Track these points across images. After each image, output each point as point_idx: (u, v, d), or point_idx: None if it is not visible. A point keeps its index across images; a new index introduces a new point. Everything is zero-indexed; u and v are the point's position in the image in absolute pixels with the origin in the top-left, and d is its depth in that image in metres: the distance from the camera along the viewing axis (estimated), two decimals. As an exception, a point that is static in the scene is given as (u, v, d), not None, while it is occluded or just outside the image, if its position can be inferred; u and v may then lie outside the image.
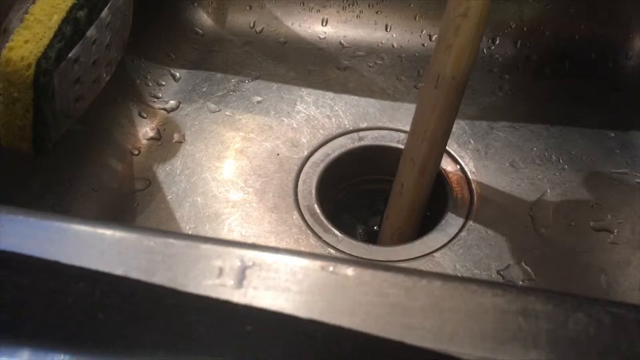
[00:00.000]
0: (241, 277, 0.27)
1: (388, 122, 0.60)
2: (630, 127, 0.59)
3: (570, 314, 0.26)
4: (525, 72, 0.64)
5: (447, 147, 0.57)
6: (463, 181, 0.55)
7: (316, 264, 0.28)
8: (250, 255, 0.28)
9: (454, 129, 0.58)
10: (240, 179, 0.57)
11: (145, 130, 0.60)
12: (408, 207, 0.52)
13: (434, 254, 0.51)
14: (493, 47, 0.65)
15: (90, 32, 0.45)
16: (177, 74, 0.65)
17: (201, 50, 0.67)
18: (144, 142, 0.60)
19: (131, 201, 0.55)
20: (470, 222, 0.53)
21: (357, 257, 0.51)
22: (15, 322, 0.28)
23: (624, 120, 0.59)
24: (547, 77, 0.63)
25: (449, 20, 0.45)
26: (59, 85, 0.44)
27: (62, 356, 0.27)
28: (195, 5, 0.69)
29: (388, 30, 0.67)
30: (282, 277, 0.27)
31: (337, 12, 0.68)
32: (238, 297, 0.26)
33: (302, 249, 0.52)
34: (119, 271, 0.27)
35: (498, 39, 0.65)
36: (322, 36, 0.68)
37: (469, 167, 0.56)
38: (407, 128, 0.52)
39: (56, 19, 0.42)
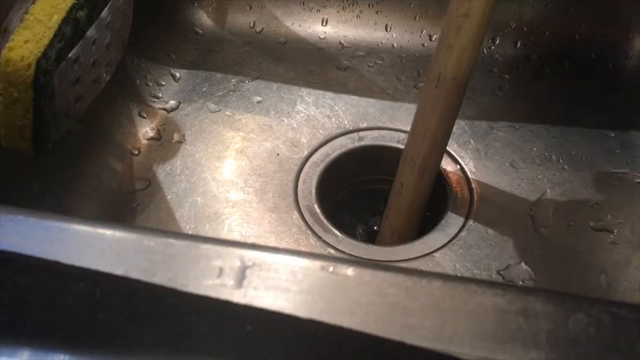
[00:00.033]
0: (241, 277, 0.27)
1: (388, 122, 0.60)
2: (630, 127, 0.59)
3: (570, 314, 0.26)
4: (525, 72, 0.64)
5: (447, 147, 0.57)
6: (463, 181, 0.55)
7: (316, 264, 0.28)
8: (250, 255, 0.28)
9: (454, 129, 0.58)
10: (240, 179, 0.57)
11: (145, 130, 0.60)
12: (408, 207, 0.52)
13: (434, 254, 0.51)
14: (493, 47, 0.65)
15: (90, 32, 0.45)
16: (177, 74, 0.65)
17: (201, 50, 0.67)
18: (144, 142, 0.60)
19: (131, 201, 0.55)
20: (470, 222, 0.53)
21: (357, 257, 0.51)
22: (15, 322, 0.28)
23: (624, 120, 0.59)
24: (547, 77, 0.63)
25: (450, 20, 0.45)
26: (59, 85, 0.44)
27: (62, 356, 0.27)
28: (195, 5, 0.69)
29: (388, 30, 0.67)
30: (282, 277, 0.27)
31: (337, 12, 0.68)
32: (238, 297, 0.26)
33: (302, 249, 0.52)
34: (119, 271, 0.27)
35: (498, 39, 0.65)
36: (322, 36, 0.68)
37: (469, 167, 0.56)
38: (407, 128, 0.52)
39: (56, 19, 0.42)
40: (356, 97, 0.62)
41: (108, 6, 0.47)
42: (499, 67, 0.64)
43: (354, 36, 0.67)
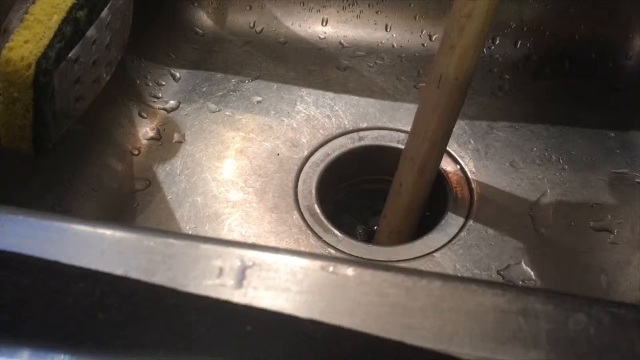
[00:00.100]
0: (241, 277, 0.27)
1: (388, 122, 0.60)
2: (630, 127, 0.59)
3: (570, 314, 0.26)
4: (525, 72, 0.64)
5: (447, 147, 0.57)
6: (463, 181, 0.55)
7: (316, 264, 0.28)
8: (250, 255, 0.28)
9: (454, 129, 0.58)
10: (240, 179, 0.57)
11: (145, 130, 0.60)
12: (406, 206, 0.52)
13: (434, 254, 0.51)
14: (493, 47, 0.65)
15: (90, 32, 0.45)
16: (177, 74, 0.65)
17: (201, 50, 0.67)
18: (144, 142, 0.60)
19: (131, 201, 0.55)
20: (470, 222, 0.53)
21: (357, 257, 0.51)
22: (15, 322, 0.28)
23: (624, 120, 0.59)
24: (547, 77, 0.63)
25: (453, 20, 0.45)
26: (59, 85, 0.44)
27: (62, 356, 0.27)
28: (195, 5, 0.69)
29: (388, 30, 0.67)
30: (282, 277, 0.27)
31: (337, 12, 0.68)
32: (238, 297, 0.26)
33: (302, 249, 0.52)
34: (119, 271, 0.27)
35: (498, 39, 0.65)
36: (322, 36, 0.68)
37: (469, 167, 0.56)
38: (407, 128, 0.52)
39: (56, 19, 0.42)
40: (356, 97, 0.62)
41: (108, 6, 0.47)
42: (499, 67, 0.64)
43: (354, 36, 0.67)
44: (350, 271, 0.27)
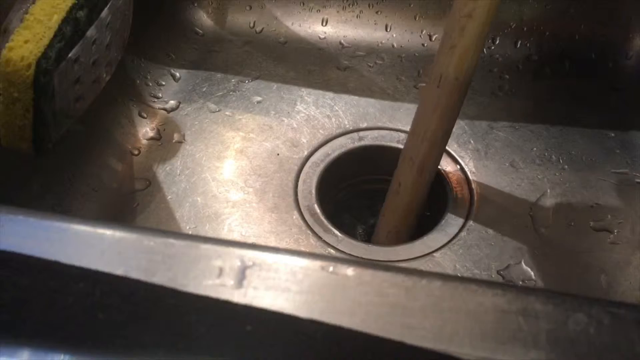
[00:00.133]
0: (241, 277, 0.27)
1: (388, 122, 0.60)
2: (630, 127, 0.59)
3: (570, 314, 0.26)
4: (525, 72, 0.64)
5: (447, 147, 0.57)
6: (463, 181, 0.55)
7: (316, 264, 0.28)
8: (250, 255, 0.28)
9: (454, 129, 0.58)
10: (240, 179, 0.57)
11: (145, 130, 0.60)
12: (405, 206, 0.52)
13: (434, 254, 0.51)
14: (493, 47, 0.65)
15: (90, 32, 0.45)
16: (177, 74, 0.65)
17: (201, 50, 0.67)
18: (144, 142, 0.60)
19: (131, 201, 0.55)
20: (470, 222, 0.53)
21: (357, 257, 0.51)
22: (15, 322, 0.28)
23: (624, 120, 0.59)
24: (547, 77, 0.63)
25: (454, 20, 0.45)
26: (59, 85, 0.44)
27: (62, 356, 0.27)
28: (195, 5, 0.69)
29: (388, 30, 0.67)
30: (282, 277, 0.27)
31: (337, 12, 0.68)
32: (238, 297, 0.26)
33: (302, 249, 0.52)
34: (119, 271, 0.27)
35: (498, 39, 0.65)
36: (322, 36, 0.68)
37: (469, 167, 0.56)
38: (407, 128, 0.52)
39: (56, 19, 0.42)
40: (356, 97, 0.62)
41: (108, 6, 0.47)
42: (499, 67, 0.64)
43: (354, 36, 0.67)
44: (350, 271, 0.27)
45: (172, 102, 0.62)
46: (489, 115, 0.60)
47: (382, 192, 0.56)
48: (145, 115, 0.61)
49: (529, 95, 0.62)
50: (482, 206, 0.54)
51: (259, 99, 0.63)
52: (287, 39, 0.68)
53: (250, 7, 0.69)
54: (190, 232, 0.53)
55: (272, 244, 0.52)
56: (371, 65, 0.65)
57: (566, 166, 0.56)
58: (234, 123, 0.61)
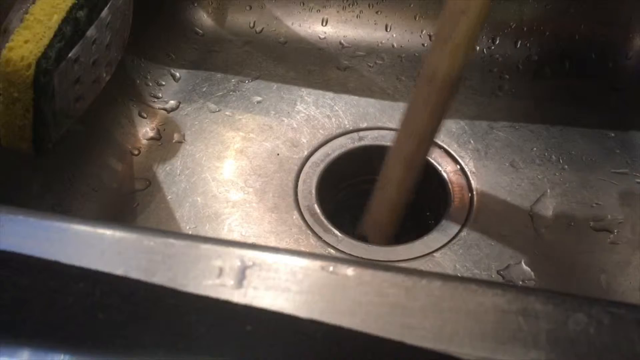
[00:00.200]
0: (241, 277, 0.27)
1: (388, 122, 0.60)
2: (630, 127, 0.59)
3: (570, 314, 0.26)
4: (525, 72, 0.64)
5: (447, 147, 0.57)
6: (463, 181, 0.55)
7: (316, 264, 0.28)
8: (250, 255, 0.28)
9: (454, 129, 0.59)
10: (240, 179, 0.57)
11: (145, 130, 0.60)
12: (391, 201, 0.51)
13: (434, 254, 0.51)
14: (493, 47, 0.65)
15: (90, 32, 0.45)
16: (177, 74, 0.65)
17: (201, 50, 0.67)
18: (144, 142, 0.60)
19: (131, 201, 0.55)
20: (471, 222, 0.53)
21: (357, 257, 0.51)
22: (15, 322, 0.28)
23: (624, 120, 0.59)
24: (547, 77, 0.63)
25: (447, 16, 0.45)
26: (59, 85, 0.44)
27: (62, 356, 0.27)
28: (195, 5, 0.69)
29: (388, 30, 0.67)
30: (282, 277, 0.27)
31: (337, 12, 0.68)
32: (238, 297, 0.26)
33: (302, 249, 0.52)
34: (119, 271, 0.27)
35: (498, 39, 0.65)
36: (322, 36, 0.68)
37: (469, 167, 0.56)
38: (407, 128, 0.52)
39: (56, 19, 0.42)
40: (356, 97, 0.62)
41: (108, 6, 0.47)
42: (499, 67, 0.64)
43: (354, 36, 0.67)
44: (350, 271, 0.27)
45: (172, 102, 0.62)
46: (489, 115, 0.60)
47: (382, 192, 0.56)
48: (145, 115, 0.61)
49: (529, 95, 0.62)
50: (482, 206, 0.54)
51: (259, 99, 0.63)
52: (287, 39, 0.68)
53: (250, 7, 0.69)
54: (190, 232, 0.53)
55: (272, 244, 0.52)
56: (371, 65, 0.65)
57: (566, 166, 0.56)
58: (234, 123, 0.61)
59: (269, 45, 0.67)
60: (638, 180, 0.55)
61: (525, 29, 0.64)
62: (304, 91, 0.63)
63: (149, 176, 0.57)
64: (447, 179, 0.55)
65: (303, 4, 0.68)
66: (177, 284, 0.27)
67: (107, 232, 0.29)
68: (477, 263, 0.50)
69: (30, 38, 0.41)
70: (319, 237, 0.52)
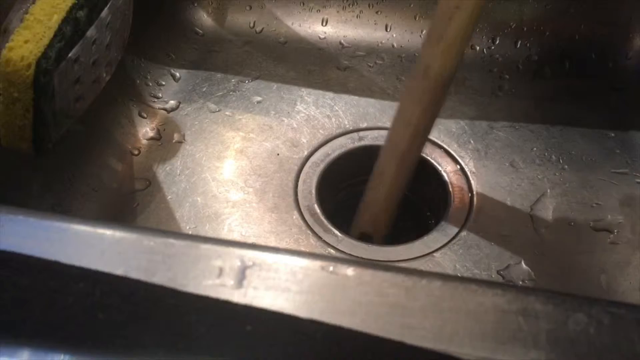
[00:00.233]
0: (241, 277, 0.27)
1: (388, 122, 0.60)
2: (630, 127, 0.59)
3: (570, 314, 0.26)
4: (525, 72, 0.64)
5: (447, 147, 0.57)
6: (463, 181, 0.55)
7: (316, 264, 0.28)
8: (250, 255, 0.28)
9: (454, 129, 0.59)
10: (240, 179, 0.57)
11: (145, 130, 0.60)
12: (385, 196, 0.51)
13: (434, 254, 0.51)
14: (493, 47, 0.65)
15: (90, 32, 0.45)
16: (177, 74, 0.65)
17: (201, 50, 0.67)
18: (144, 142, 0.60)
19: (131, 201, 0.55)
20: (470, 222, 0.53)
21: (357, 257, 0.51)
22: (15, 322, 0.28)
23: (624, 120, 0.59)
24: (547, 77, 0.63)
25: (441, 12, 0.44)
26: (59, 85, 0.44)
27: (62, 356, 0.27)
28: (195, 5, 0.69)
29: (388, 30, 0.67)
30: (282, 277, 0.27)
31: (337, 12, 0.68)
32: (238, 297, 0.26)
33: (302, 249, 0.52)
34: (119, 271, 0.27)
35: (498, 39, 0.65)
36: (322, 36, 0.68)
37: (469, 167, 0.56)
38: (407, 128, 0.51)
39: (56, 19, 0.42)
40: (356, 97, 0.62)
41: (108, 6, 0.47)
42: (499, 67, 0.64)
43: (354, 36, 0.67)
44: (350, 271, 0.27)
45: (172, 102, 0.62)
46: (489, 115, 0.60)
47: (382, 192, 0.56)
48: (145, 115, 0.61)
49: (529, 95, 0.62)
50: (482, 206, 0.54)
51: (259, 99, 0.63)
52: (287, 39, 0.68)
53: (250, 7, 0.69)
54: (190, 232, 0.53)
55: (272, 244, 0.52)
56: (371, 65, 0.65)
57: (566, 166, 0.56)
58: (234, 123, 0.61)
59: (269, 45, 0.67)
60: (638, 180, 0.55)
61: (525, 29, 0.64)
62: (304, 91, 0.63)
63: (149, 176, 0.57)
64: (447, 179, 0.55)
65: (303, 4, 0.68)
66: (177, 284, 0.27)
67: (107, 232, 0.29)
68: (477, 263, 0.50)
69: (30, 38, 0.41)
70: (319, 237, 0.52)
